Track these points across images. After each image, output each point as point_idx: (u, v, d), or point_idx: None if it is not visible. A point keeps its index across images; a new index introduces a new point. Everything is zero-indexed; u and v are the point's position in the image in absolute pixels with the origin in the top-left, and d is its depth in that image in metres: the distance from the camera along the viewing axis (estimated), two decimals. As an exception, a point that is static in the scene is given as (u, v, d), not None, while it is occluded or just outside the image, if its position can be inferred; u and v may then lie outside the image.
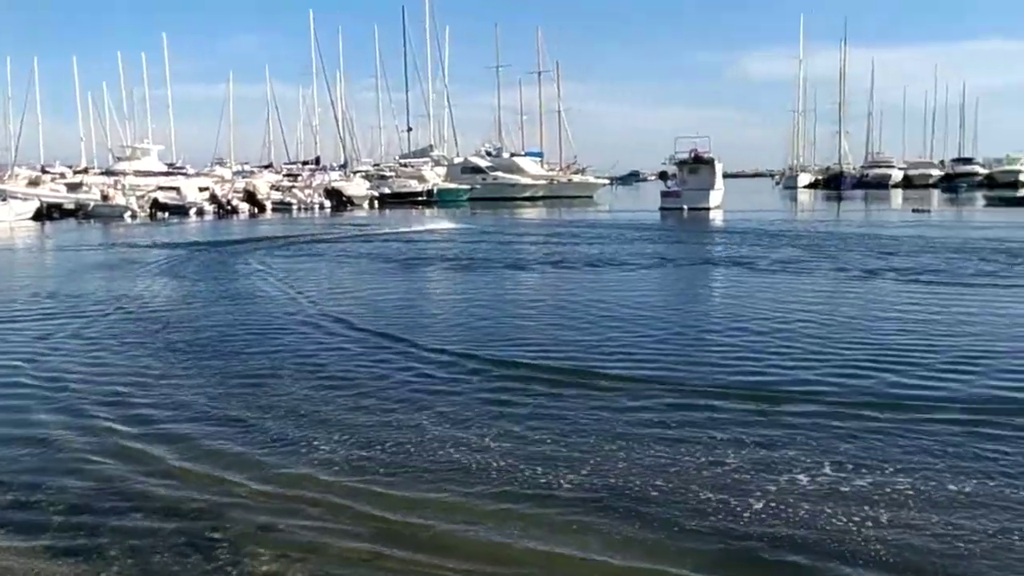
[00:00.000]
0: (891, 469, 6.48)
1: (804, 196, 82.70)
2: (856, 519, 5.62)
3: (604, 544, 5.41)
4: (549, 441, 7.33)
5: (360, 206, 63.30)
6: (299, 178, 68.96)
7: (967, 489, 6.05)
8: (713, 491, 6.15)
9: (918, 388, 8.81)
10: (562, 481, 6.40)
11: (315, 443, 7.36)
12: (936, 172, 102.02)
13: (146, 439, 7.58)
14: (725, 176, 58.99)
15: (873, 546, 5.26)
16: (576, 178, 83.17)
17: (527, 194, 76.24)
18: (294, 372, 10.10)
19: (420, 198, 68.15)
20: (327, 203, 62.06)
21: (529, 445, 7.23)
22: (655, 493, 6.16)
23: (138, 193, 55.27)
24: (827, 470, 6.47)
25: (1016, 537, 5.32)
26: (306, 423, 7.97)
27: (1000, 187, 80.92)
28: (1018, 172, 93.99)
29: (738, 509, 5.83)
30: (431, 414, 8.20)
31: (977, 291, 16.27)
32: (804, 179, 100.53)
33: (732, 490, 6.15)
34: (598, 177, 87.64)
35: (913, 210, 50.21)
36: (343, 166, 75.26)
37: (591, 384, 9.23)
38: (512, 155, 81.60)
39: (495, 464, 6.76)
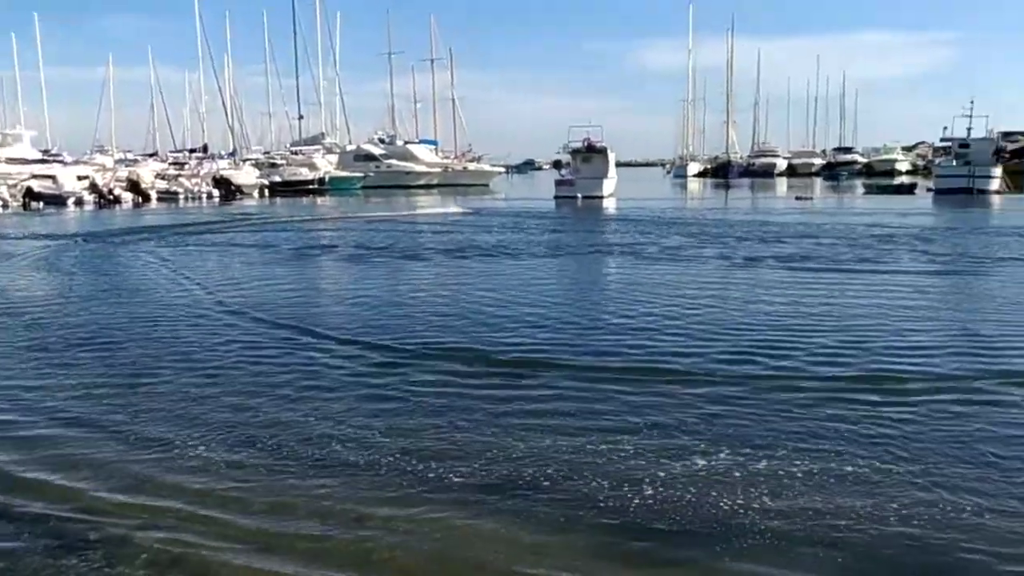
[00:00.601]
0: (784, 450, 6.59)
1: (694, 185, 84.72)
2: (746, 500, 5.66)
3: (493, 541, 5.26)
4: (440, 432, 7.17)
5: (250, 195, 61.58)
6: (186, 167, 66.51)
7: (847, 465, 6.19)
8: (607, 479, 6.08)
9: (803, 366, 9.10)
10: (452, 475, 6.23)
11: (191, 445, 6.96)
12: (819, 161, 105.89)
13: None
14: (618, 165, 59.75)
15: (762, 527, 5.28)
16: (471, 166, 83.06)
17: (421, 182, 75.73)
18: (176, 367, 9.61)
19: (312, 187, 66.76)
20: (215, 192, 60.10)
21: (420, 438, 7.03)
22: (547, 483, 6.07)
23: (9, 182, 52.28)
24: (724, 453, 6.50)
25: (896, 508, 5.47)
26: (184, 423, 7.54)
27: (878, 175, 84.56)
28: (894, 161, 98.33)
29: (630, 496, 5.78)
30: (317, 407, 7.91)
31: (856, 276, 16.84)
32: (694, 168, 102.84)
33: (626, 477, 6.11)
34: (493, 165, 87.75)
35: (796, 198, 51.89)
36: (232, 154, 72.96)
37: (484, 371, 9.11)
38: (406, 143, 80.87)
39: (384, 460, 6.53)
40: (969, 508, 5.51)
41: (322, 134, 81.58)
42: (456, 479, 6.18)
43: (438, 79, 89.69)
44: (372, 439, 7.02)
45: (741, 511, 5.55)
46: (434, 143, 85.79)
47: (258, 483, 6.17)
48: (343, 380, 8.94)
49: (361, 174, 71.35)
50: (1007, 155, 75.75)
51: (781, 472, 6.17)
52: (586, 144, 52.86)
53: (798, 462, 6.34)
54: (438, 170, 79.08)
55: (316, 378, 9.05)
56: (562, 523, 5.48)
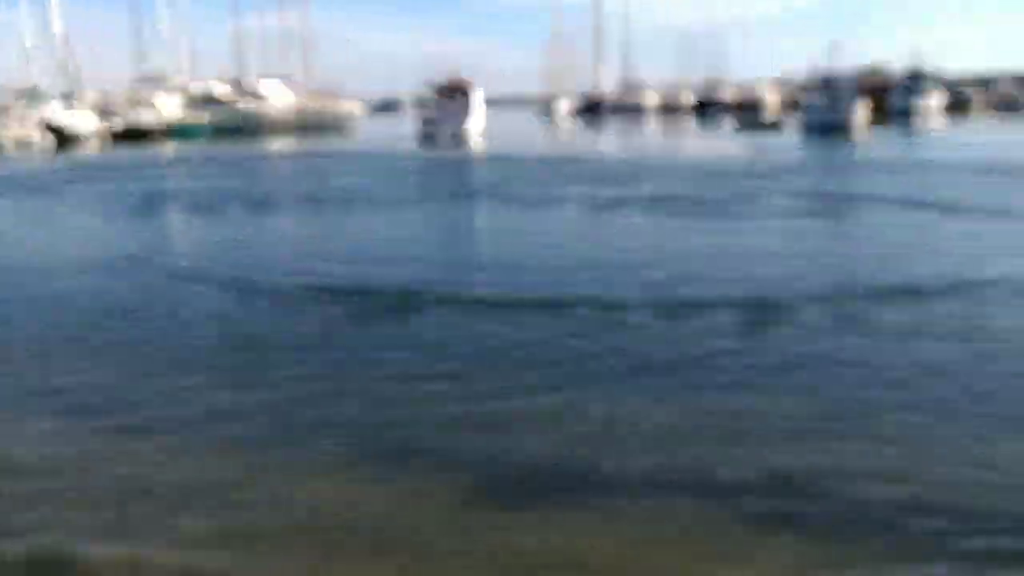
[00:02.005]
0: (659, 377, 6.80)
1: (564, 122, 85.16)
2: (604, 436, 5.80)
3: (370, 494, 5.25)
4: (309, 380, 7.19)
5: (88, 142, 58.28)
6: (11, 111, 62.28)
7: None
8: (475, 431, 6.12)
9: (667, 295, 9.48)
10: (326, 432, 6.16)
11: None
12: (689, 98, 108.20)
13: None
14: (486, 103, 59.44)
15: (625, 467, 5.44)
16: (329, 105, 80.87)
17: (276, 125, 73.33)
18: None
19: (156, 132, 63.69)
20: (48, 140, 56.59)
21: (289, 388, 6.99)
22: (425, 433, 6.09)
23: None
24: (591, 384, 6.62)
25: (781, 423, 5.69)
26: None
27: (748, 112, 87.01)
28: (763, 98, 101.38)
29: (504, 444, 5.86)
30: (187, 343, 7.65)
31: (719, 219, 17.43)
32: (563, 105, 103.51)
33: (497, 426, 6.20)
34: (354, 104, 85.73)
35: (666, 134, 52.96)
36: (66, 97, 68.73)
37: (358, 309, 9.46)
38: (257, 83, 77.96)
39: (256, 413, 6.44)
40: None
41: (166, 75, 77.75)
42: (328, 437, 6.11)
43: (290, 16, 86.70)
44: (246, 385, 7.09)
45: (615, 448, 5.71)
46: (288, 82, 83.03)
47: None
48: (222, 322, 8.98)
49: (208, 118, 68.49)
50: (870, 90, 79.40)
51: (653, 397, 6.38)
52: (451, 81, 52.30)
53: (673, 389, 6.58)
54: (293, 111, 76.68)
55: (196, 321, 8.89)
56: (438, 472, 5.51)
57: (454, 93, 51.83)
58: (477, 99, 53.06)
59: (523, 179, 25.90)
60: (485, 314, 9.29)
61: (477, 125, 51.99)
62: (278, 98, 76.82)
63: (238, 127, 68.17)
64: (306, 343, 8.36)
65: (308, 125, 73.53)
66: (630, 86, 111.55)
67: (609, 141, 52.56)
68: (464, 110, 51.12)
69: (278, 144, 54.44)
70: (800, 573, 4.32)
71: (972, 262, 11.60)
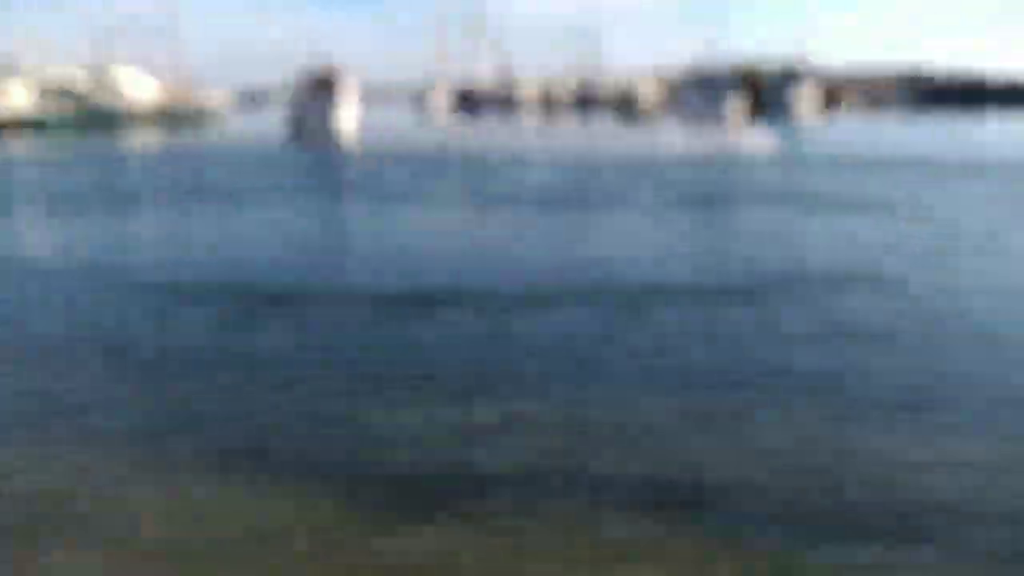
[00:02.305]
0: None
1: (442, 115, 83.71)
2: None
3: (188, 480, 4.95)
4: (170, 379, 6.70)
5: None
6: None
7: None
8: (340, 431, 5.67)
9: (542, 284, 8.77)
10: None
11: None
12: (568, 91, 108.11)
13: None
14: (361, 95, 57.00)
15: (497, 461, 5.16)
16: (194, 98, 76.72)
17: (137, 118, 68.91)
18: None
19: (6, 124, 58.62)
20: None
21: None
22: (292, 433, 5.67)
23: None
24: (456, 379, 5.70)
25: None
26: None
27: (626, 105, 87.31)
28: (642, 92, 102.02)
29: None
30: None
31: (601, 215, 16.52)
32: (441, 98, 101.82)
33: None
34: (220, 96, 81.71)
35: (544, 129, 51.80)
36: None
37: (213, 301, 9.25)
38: (116, 74, 73.17)
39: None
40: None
41: (13, 64, 72.17)
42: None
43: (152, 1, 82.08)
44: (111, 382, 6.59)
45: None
46: (150, 74, 78.44)
47: None
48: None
49: (62, 112, 63.65)
50: (746, 85, 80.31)
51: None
52: (322, 72, 49.71)
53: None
54: (156, 104, 72.27)
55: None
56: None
57: (325, 85, 49.18)
58: (349, 90, 50.56)
59: (394, 175, 24.63)
60: (347, 309, 8.96)
61: (349, 118, 49.49)
62: (139, 90, 72.25)
63: (95, 120, 63.60)
64: (170, 343, 7.75)
65: (171, 118, 69.42)
66: (507, 79, 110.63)
67: (489, 133, 51.11)
68: (335, 103, 48.57)
69: (140, 139, 50.62)
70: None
71: (817, 255, 11.67)
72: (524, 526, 4.44)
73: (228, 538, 4.34)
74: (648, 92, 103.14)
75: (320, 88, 49.94)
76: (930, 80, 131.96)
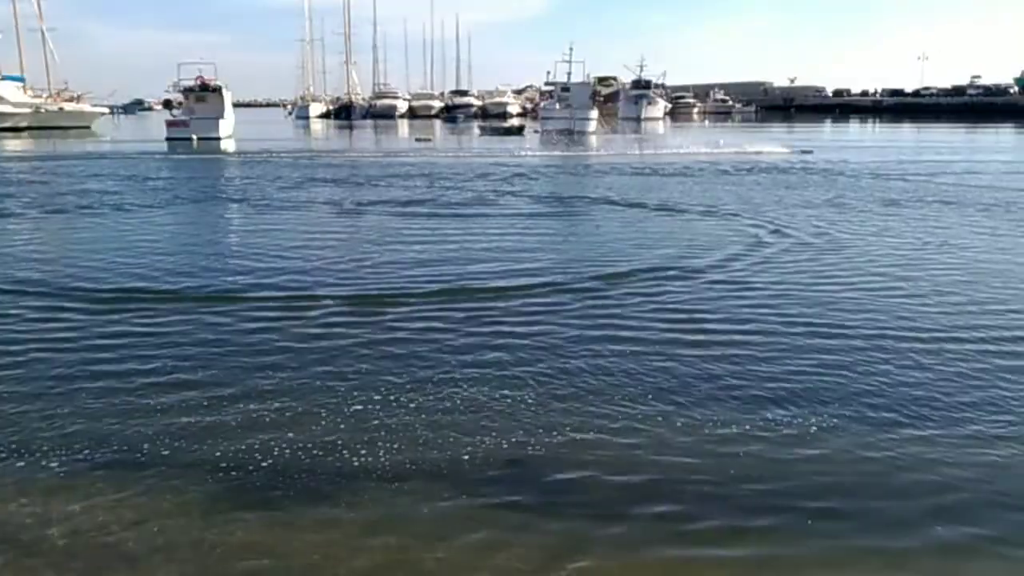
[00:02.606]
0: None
1: (317, 126, 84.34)
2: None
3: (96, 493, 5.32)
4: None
5: None
6: None
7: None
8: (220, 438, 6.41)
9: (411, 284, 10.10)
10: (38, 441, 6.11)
11: None
12: (437, 103, 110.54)
13: None
14: (236, 105, 58.10)
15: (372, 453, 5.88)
16: (69, 106, 75.46)
17: (7, 124, 67.59)
18: None
19: None
20: None
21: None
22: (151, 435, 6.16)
23: None
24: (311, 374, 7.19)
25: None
26: None
27: (492, 117, 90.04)
28: (506, 104, 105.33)
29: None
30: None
31: (467, 219, 18.31)
32: (316, 109, 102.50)
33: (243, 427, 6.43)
34: (96, 105, 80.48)
35: (416, 139, 54.03)
36: None
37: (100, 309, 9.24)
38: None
39: None
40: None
41: None
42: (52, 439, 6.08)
43: (21, 7, 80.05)
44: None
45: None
46: (21, 80, 76.63)
47: None
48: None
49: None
50: (602, 98, 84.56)
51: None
52: (199, 82, 50.80)
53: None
54: (27, 111, 70.91)
55: None
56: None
57: (203, 94, 50.34)
58: (227, 100, 51.80)
59: (271, 182, 25.66)
60: (216, 311, 9.59)
61: (228, 127, 50.73)
62: (10, 96, 70.84)
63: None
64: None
65: (45, 125, 68.37)
66: (381, 90, 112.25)
67: (361, 143, 52.98)
68: (214, 112, 49.72)
69: (11, 146, 50.36)
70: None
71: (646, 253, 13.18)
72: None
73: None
74: (513, 105, 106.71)
75: (198, 98, 51.02)
76: (774, 94, 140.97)
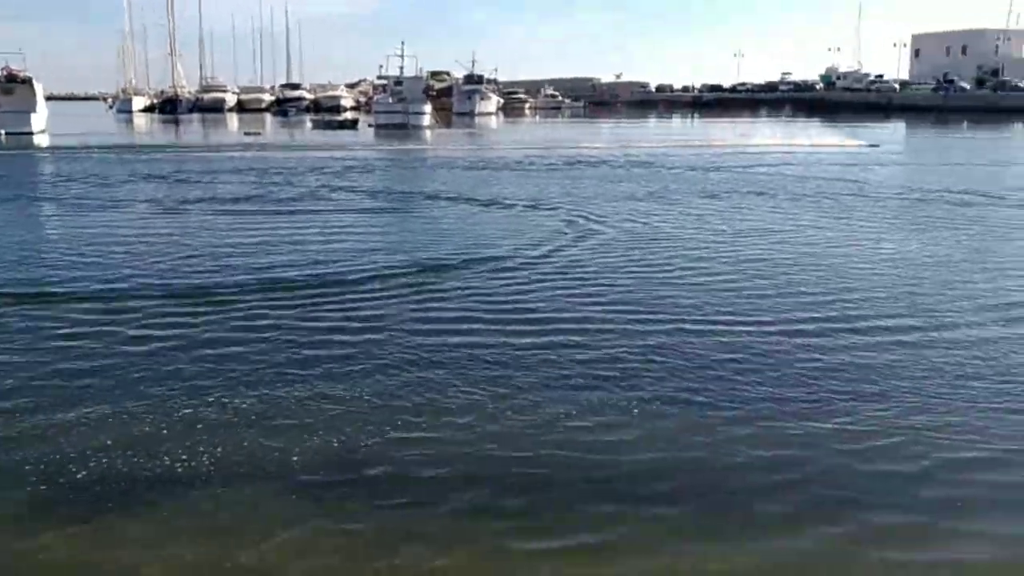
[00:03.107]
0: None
1: (140, 120, 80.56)
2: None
3: None
4: None
5: None
6: None
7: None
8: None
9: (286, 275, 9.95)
10: None
11: None
12: (268, 97, 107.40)
13: None
14: (50, 99, 54.72)
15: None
16: None
17: None
18: None
19: None
20: None
21: None
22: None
23: None
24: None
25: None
26: None
27: (325, 111, 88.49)
28: (339, 97, 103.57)
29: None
30: None
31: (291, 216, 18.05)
32: (139, 102, 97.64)
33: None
34: None
35: (246, 133, 52.50)
36: None
37: None
38: None
39: None
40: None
41: None
42: None
43: None
44: None
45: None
46: None
47: None
48: None
49: None
50: (435, 92, 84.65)
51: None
52: (6, 73, 47.53)
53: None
54: None
55: None
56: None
57: (11, 87, 47.04)
58: (38, 93, 48.64)
59: (90, 178, 24.41)
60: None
61: (40, 121, 47.69)
62: None
63: None
64: None
65: None
66: (208, 84, 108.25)
67: (189, 136, 51.04)
68: (24, 106, 46.59)
69: None
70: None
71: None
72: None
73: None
74: (346, 98, 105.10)
75: (4, 88, 47.76)
76: (601, 89, 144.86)
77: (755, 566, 4.58)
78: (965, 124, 65.67)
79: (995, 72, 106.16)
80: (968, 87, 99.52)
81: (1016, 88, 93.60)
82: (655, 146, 41.27)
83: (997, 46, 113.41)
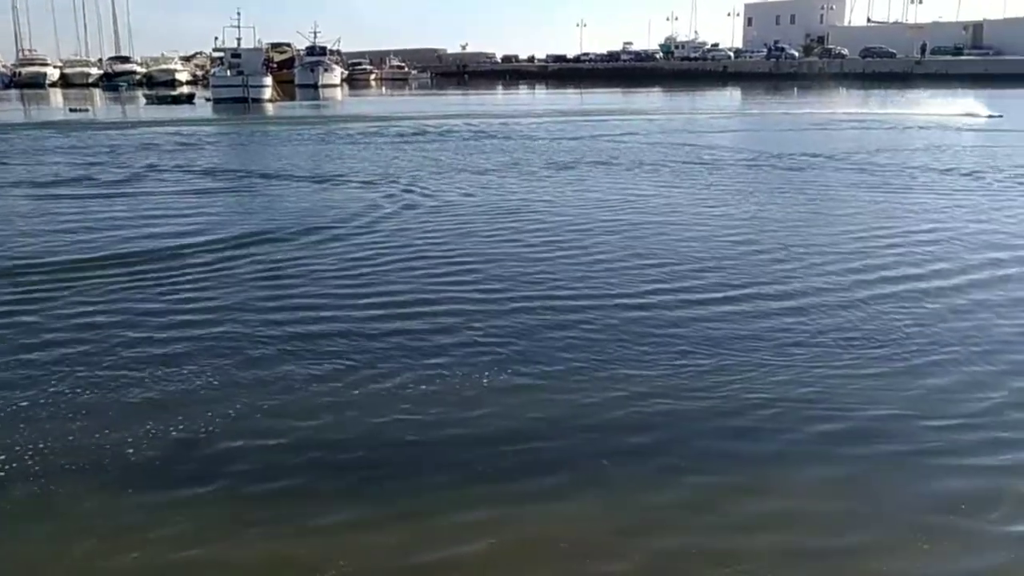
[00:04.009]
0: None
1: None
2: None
3: None
4: None
5: None
6: None
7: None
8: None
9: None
10: None
11: None
12: (95, 71, 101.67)
13: None
14: None
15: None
16: None
17: None
18: None
19: None
20: None
21: None
22: None
23: None
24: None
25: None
26: None
27: (159, 85, 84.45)
28: (174, 71, 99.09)
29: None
30: None
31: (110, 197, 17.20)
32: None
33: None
34: None
35: (71, 110, 49.52)
36: None
37: None
38: None
39: None
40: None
41: None
42: None
43: None
44: None
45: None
46: None
47: None
48: None
49: None
50: (275, 64, 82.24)
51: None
52: None
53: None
54: None
55: None
56: None
57: None
58: None
59: None
60: None
61: None
62: None
63: None
64: None
65: None
66: (26, 57, 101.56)
67: (8, 115, 47.66)
68: None
69: None
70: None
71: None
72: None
73: None
74: (181, 71, 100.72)
75: None
76: (448, 60, 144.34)
77: (601, 525, 4.65)
78: (795, 90, 68.90)
79: (821, 39, 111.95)
80: (797, 54, 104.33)
81: (839, 55, 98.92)
82: (507, 117, 41.36)
83: (822, 15, 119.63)
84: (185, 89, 74.56)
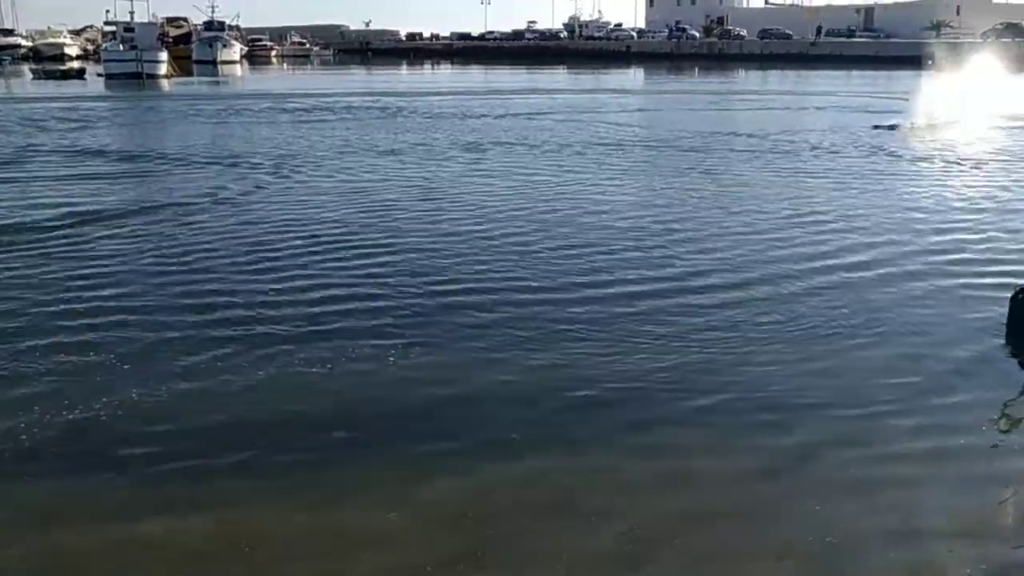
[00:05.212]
0: None
1: None
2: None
3: None
4: None
5: None
6: None
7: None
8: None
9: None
10: None
11: None
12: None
13: None
14: None
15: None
16: None
17: None
18: None
19: None
20: None
21: None
22: None
23: None
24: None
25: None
26: None
27: (46, 60, 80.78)
28: (63, 45, 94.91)
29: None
30: None
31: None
32: None
33: None
34: None
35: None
36: None
37: None
38: None
39: None
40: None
41: None
42: None
43: None
44: None
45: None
46: None
47: None
48: None
49: None
50: (171, 40, 79.73)
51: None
52: None
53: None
54: None
55: None
56: None
57: None
58: None
59: None
60: None
61: None
62: None
63: None
64: None
65: None
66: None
67: None
68: None
69: None
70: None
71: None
72: None
73: None
74: (71, 45, 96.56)
75: None
76: (350, 37, 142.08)
77: (508, 496, 4.78)
78: (696, 70, 70.11)
79: (720, 20, 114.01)
80: (698, 35, 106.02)
81: (738, 36, 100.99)
82: (412, 95, 41.01)
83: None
84: (76, 64, 71.59)
